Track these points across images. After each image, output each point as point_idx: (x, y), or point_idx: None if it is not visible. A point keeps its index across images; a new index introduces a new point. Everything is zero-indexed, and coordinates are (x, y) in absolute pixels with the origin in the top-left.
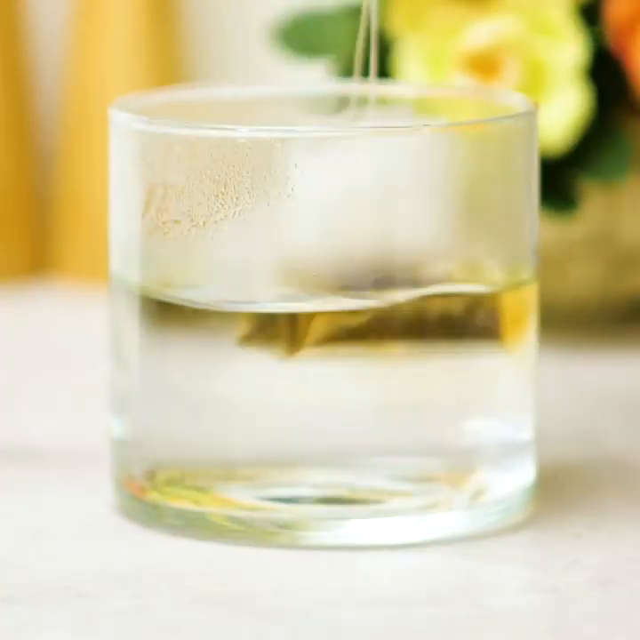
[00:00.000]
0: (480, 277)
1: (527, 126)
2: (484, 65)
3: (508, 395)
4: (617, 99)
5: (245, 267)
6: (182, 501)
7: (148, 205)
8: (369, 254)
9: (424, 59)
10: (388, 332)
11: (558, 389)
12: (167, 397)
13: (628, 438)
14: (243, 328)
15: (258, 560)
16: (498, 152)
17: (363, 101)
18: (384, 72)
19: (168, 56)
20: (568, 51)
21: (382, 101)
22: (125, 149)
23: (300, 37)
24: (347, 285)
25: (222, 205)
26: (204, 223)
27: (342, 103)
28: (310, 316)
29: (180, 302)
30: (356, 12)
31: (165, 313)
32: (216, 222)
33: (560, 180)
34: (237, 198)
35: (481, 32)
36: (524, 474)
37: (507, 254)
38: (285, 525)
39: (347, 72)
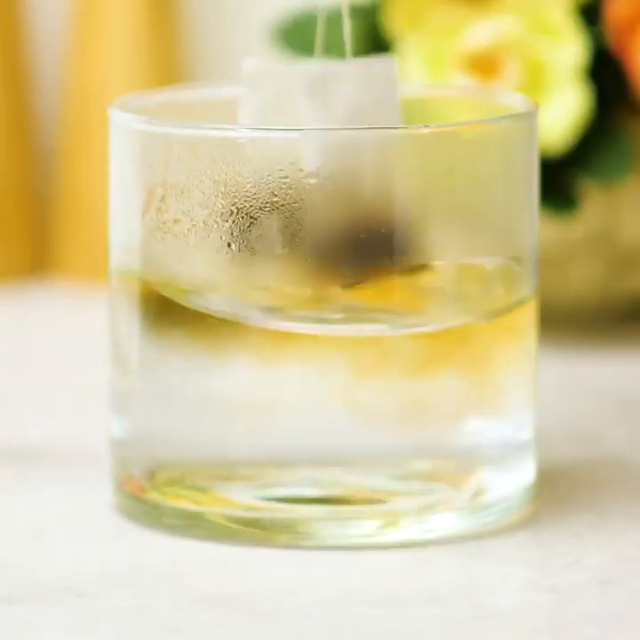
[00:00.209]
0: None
1: (527, 126)
2: (484, 65)
3: (508, 395)
4: (617, 99)
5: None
6: (182, 501)
7: (148, 205)
8: (369, 254)
9: (424, 59)
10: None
11: (558, 389)
12: (167, 397)
13: (628, 438)
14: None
15: (258, 560)
16: (498, 152)
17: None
18: None
19: (168, 56)
20: (568, 51)
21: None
22: (125, 149)
23: (300, 37)
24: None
25: (222, 205)
26: (204, 223)
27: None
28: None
29: (181, 302)
30: (356, 12)
31: (165, 313)
32: (216, 222)
33: (560, 179)
34: (237, 198)
35: (481, 32)
36: (523, 474)
37: (507, 254)
38: (285, 525)
39: None
